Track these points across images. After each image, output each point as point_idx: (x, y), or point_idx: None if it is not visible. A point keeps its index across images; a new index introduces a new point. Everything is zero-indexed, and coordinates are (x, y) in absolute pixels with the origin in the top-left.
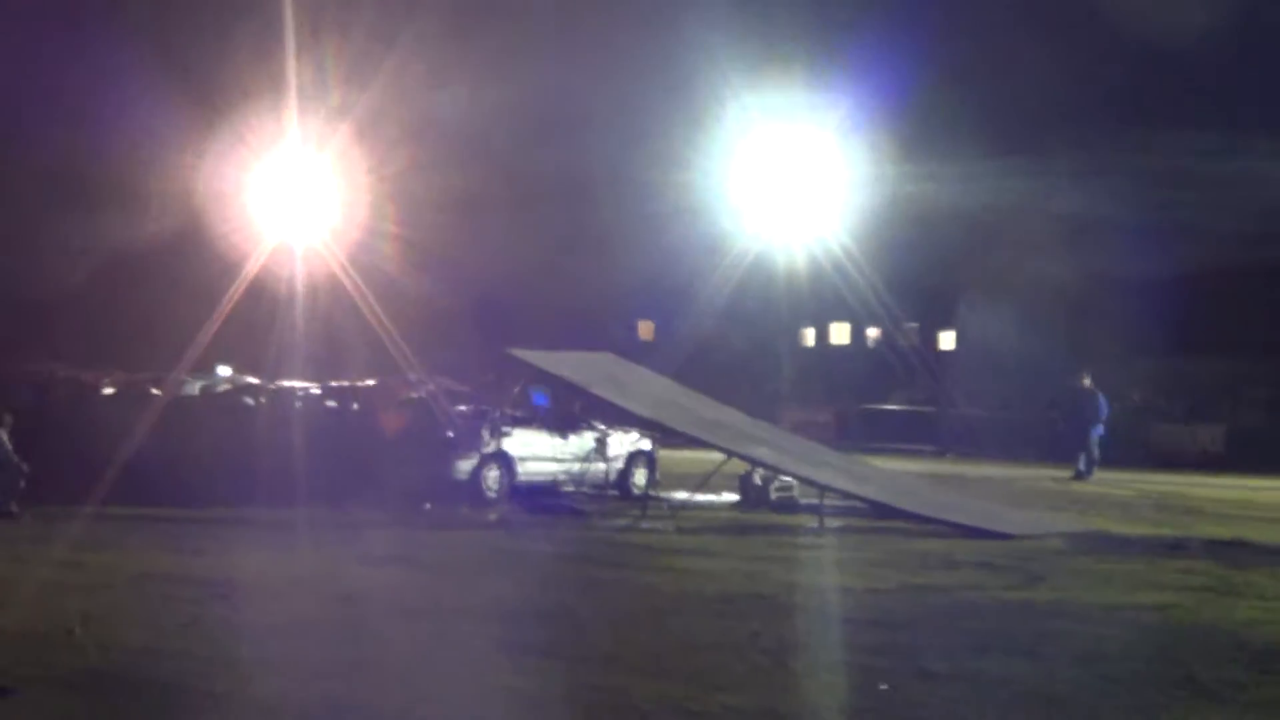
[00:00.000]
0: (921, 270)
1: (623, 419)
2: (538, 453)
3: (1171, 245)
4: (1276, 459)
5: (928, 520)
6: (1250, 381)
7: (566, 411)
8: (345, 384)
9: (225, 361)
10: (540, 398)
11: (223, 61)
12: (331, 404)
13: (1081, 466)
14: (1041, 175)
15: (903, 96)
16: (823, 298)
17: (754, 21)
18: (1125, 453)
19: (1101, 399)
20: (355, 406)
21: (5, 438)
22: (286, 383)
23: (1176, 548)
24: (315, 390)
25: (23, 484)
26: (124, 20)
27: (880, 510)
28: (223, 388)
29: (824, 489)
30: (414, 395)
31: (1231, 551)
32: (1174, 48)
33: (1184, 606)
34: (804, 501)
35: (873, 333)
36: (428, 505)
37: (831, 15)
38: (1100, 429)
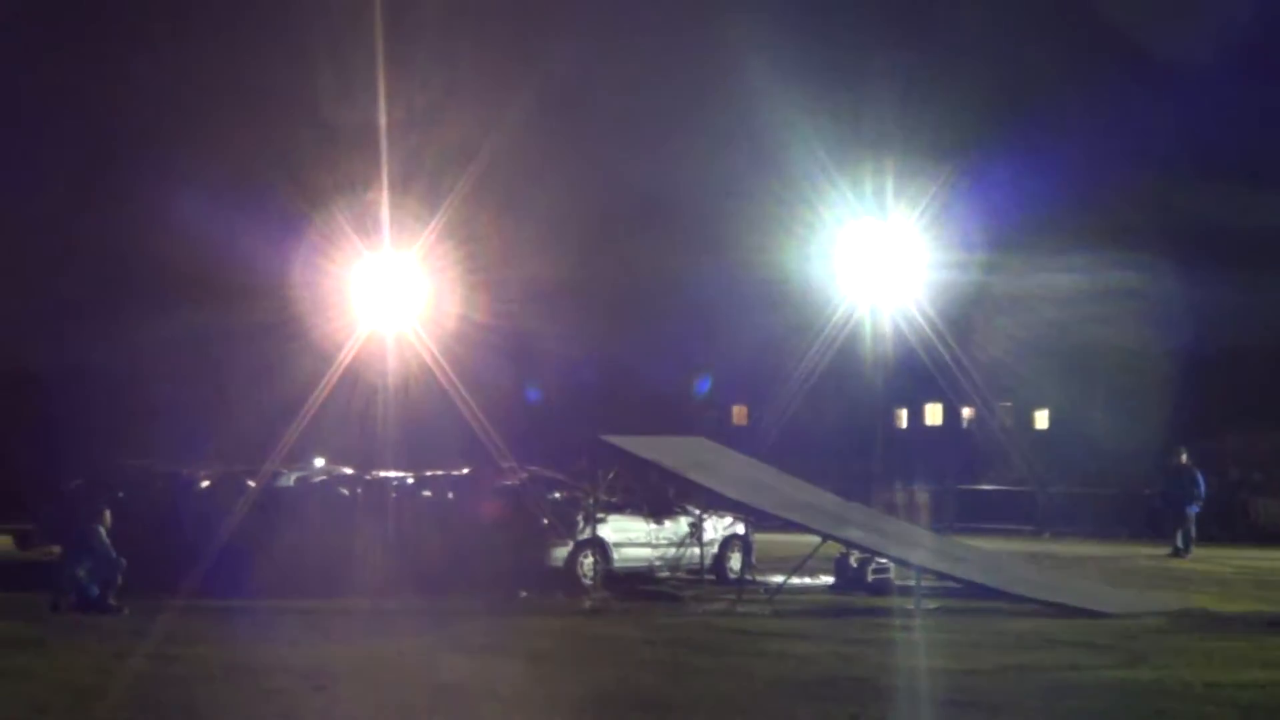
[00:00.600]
0: (1015, 350)
1: (716, 503)
2: (633, 538)
3: (1263, 317)
4: None
5: (1024, 600)
6: None
7: (661, 497)
8: (440, 473)
9: (320, 453)
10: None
11: (317, 153)
12: (426, 493)
13: (1179, 544)
14: (1130, 257)
15: (996, 182)
16: (916, 378)
17: (849, 105)
18: (1223, 528)
19: (1199, 476)
20: (450, 495)
21: (104, 534)
22: (381, 473)
23: (1278, 624)
24: (410, 480)
25: (121, 580)
26: (222, 112)
27: (976, 590)
28: (318, 478)
29: (919, 570)
30: (508, 483)
31: None
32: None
33: None
34: (900, 583)
35: (967, 413)
36: (523, 593)
37: (930, 101)
38: (1196, 506)
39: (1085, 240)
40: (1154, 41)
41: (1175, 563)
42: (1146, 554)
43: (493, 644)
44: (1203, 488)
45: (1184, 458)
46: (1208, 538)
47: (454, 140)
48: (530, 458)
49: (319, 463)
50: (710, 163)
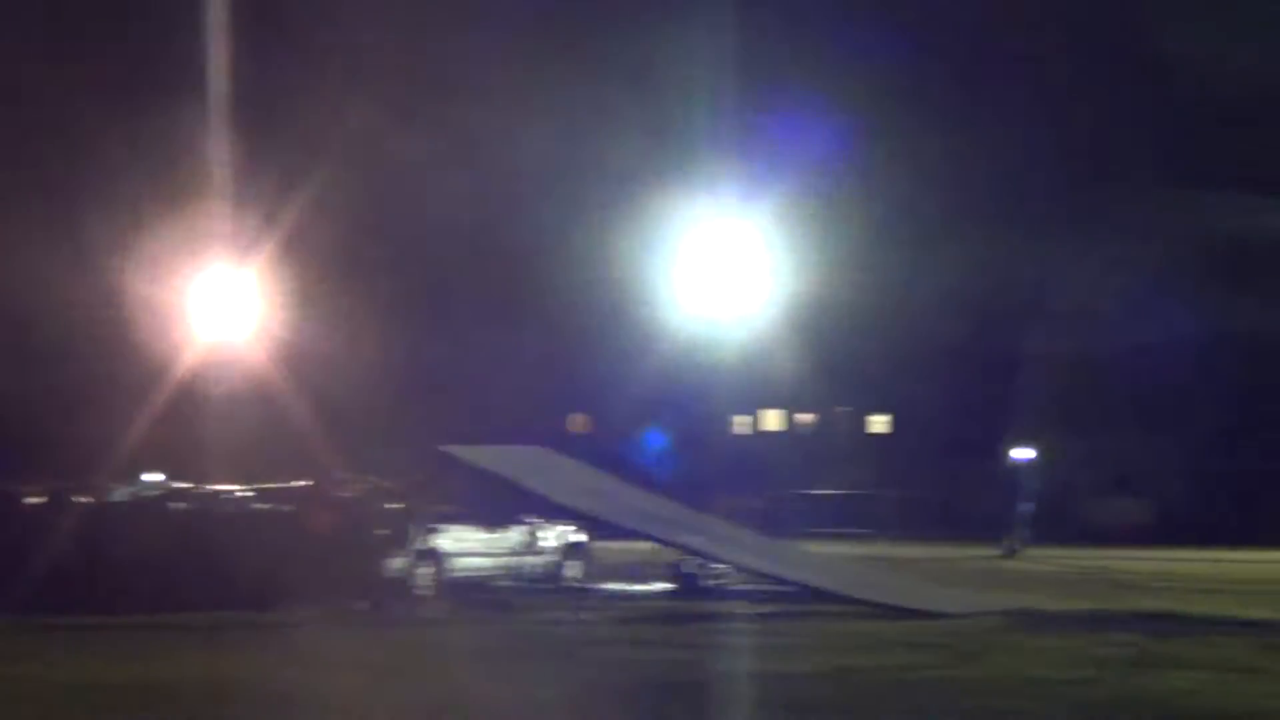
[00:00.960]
0: (852, 354)
1: (554, 512)
2: (470, 548)
3: (1099, 320)
4: (1203, 532)
5: (858, 602)
6: (1177, 455)
7: (500, 506)
8: (276, 485)
9: (155, 467)
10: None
11: (150, 161)
12: (262, 506)
13: (1012, 544)
14: (969, 254)
15: (832, 177)
16: (755, 385)
17: (686, 110)
18: (1054, 528)
19: (1026, 476)
20: (286, 508)
21: None
22: (216, 486)
23: (1106, 622)
24: (246, 492)
25: None
26: (44, 96)
27: (811, 594)
28: (151, 494)
29: (757, 574)
30: (345, 494)
31: (1159, 624)
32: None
33: (1112, 679)
34: (736, 588)
35: (805, 418)
36: (362, 604)
37: (765, 100)
38: (1029, 506)
39: (929, 239)
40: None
41: (1007, 563)
42: (981, 554)
43: (328, 656)
44: (1030, 486)
45: (1014, 459)
46: (1040, 538)
47: (291, 145)
48: (368, 469)
49: (154, 478)
50: (548, 168)
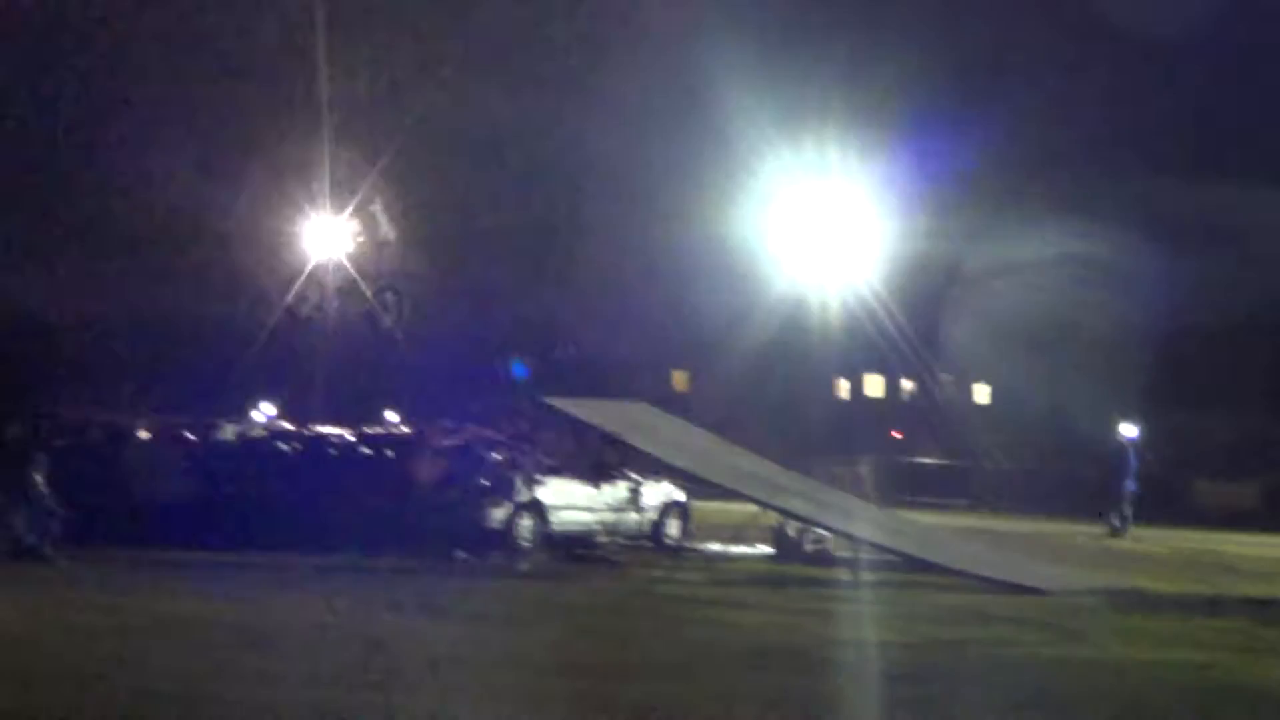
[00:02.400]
0: (958, 323)
1: (656, 469)
2: (572, 502)
3: (1208, 298)
4: None
5: (961, 574)
6: None
7: (601, 461)
8: (380, 431)
9: (266, 405)
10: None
11: (255, 97)
12: (367, 451)
13: (1116, 522)
14: (1078, 230)
15: (944, 152)
16: (858, 349)
17: (792, 76)
18: (1160, 508)
19: (1134, 453)
20: (390, 454)
21: (40, 480)
22: (321, 429)
23: (1215, 606)
24: (350, 436)
25: (56, 527)
26: (165, 69)
27: (914, 564)
28: (257, 433)
29: (858, 542)
30: (447, 443)
31: (1269, 610)
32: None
33: (1222, 665)
34: (838, 554)
35: (908, 385)
36: (460, 554)
37: (873, 71)
38: (1134, 485)
39: (1033, 212)
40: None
41: (1113, 541)
42: (1085, 532)
43: (428, 604)
44: (1135, 464)
45: (1123, 435)
46: (1146, 518)
47: (394, 93)
48: (470, 418)
49: (267, 412)
50: (653, 127)
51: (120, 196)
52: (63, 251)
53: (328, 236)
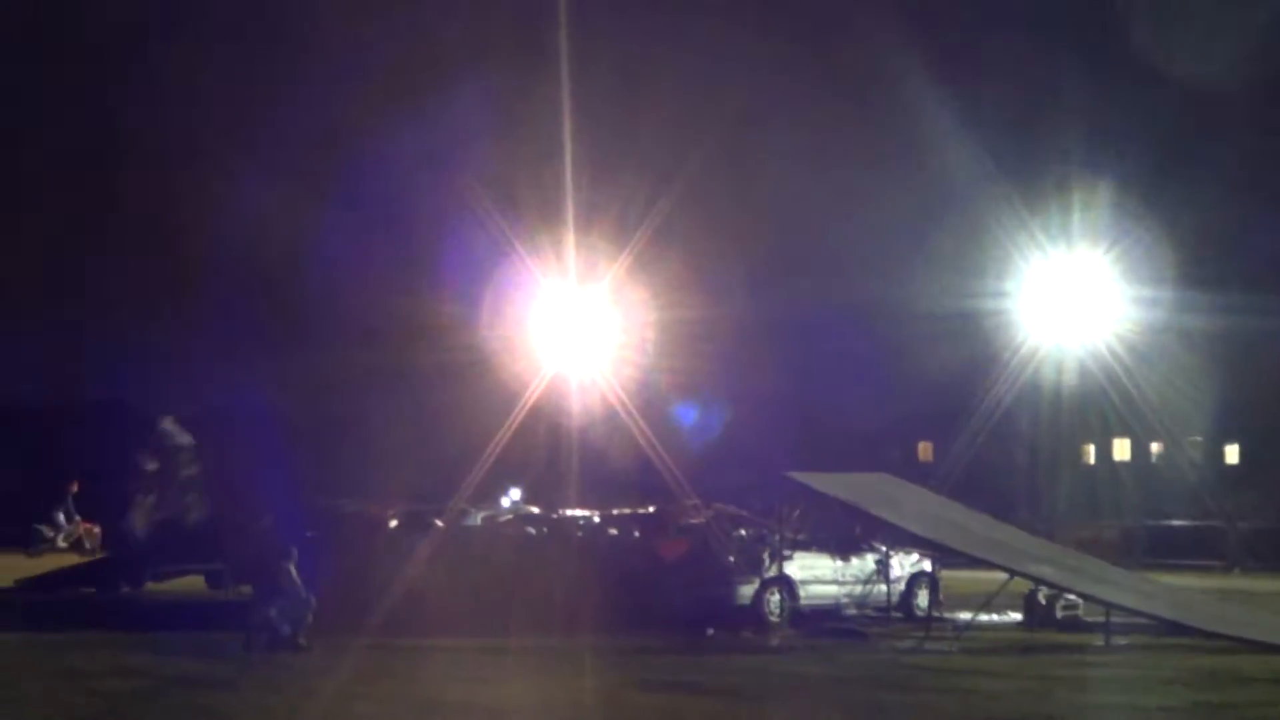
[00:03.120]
0: (1204, 385)
1: (902, 540)
2: (819, 576)
3: None
4: None
5: (1217, 636)
6: None
7: (846, 534)
8: (626, 511)
9: (511, 490)
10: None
11: (506, 197)
12: (613, 531)
13: None
14: None
15: (1183, 215)
16: (1104, 414)
17: (1034, 140)
18: None
19: None
20: (636, 533)
21: (294, 571)
22: (568, 511)
23: None
24: (596, 518)
25: (310, 617)
26: (406, 157)
27: (1168, 627)
28: (504, 517)
29: (1110, 606)
30: (693, 521)
31: None
32: None
33: None
34: (1090, 620)
35: (1156, 448)
36: (710, 631)
37: (1117, 134)
38: None
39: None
40: None
41: None
42: None
43: (680, 682)
44: None
45: None
46: None
47: (640, 179)
48: (715, 495)
49: (506, 502)
50: (896, 199)
51: (367, 287)
52: (310, 343)
53: (570, 328)
